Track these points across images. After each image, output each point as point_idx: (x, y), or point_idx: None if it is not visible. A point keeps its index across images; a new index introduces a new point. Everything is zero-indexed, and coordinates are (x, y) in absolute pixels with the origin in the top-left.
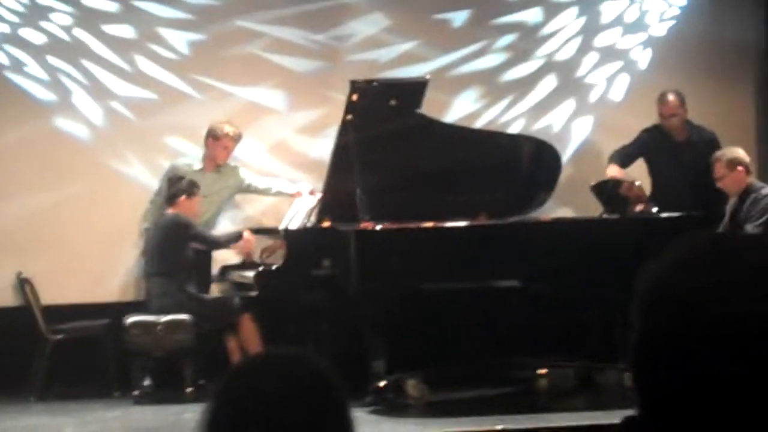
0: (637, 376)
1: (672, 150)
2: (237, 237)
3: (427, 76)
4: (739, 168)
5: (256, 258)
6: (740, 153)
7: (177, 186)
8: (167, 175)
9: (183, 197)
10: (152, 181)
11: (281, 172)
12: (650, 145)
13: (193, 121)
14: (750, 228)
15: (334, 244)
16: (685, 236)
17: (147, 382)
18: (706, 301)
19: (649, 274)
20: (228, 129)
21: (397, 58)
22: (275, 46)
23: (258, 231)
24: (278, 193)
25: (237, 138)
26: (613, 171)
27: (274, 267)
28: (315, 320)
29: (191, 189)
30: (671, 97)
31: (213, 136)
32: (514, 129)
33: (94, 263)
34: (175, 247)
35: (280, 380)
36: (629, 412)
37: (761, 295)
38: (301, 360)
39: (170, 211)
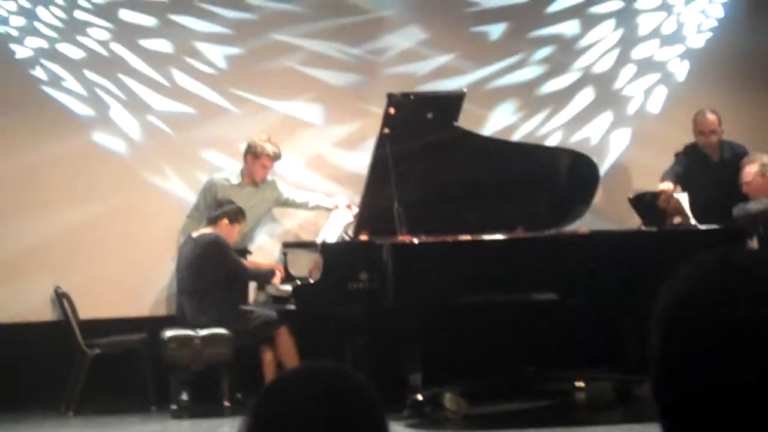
0: (658, 394)
1: (708, 169)
2: (268, 276)
3: (464, 89)
4: None
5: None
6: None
7: (224, 209)
8: (205, 189)
9: (226, 221)
10: (189, 195)
11: (318, 186)
12: (689, 164)
13: (230, 135)
14: None
15: (371, 258)
16: (700, 254)
17: (184, 396)
18: (722, 315)
19: (666, 292)
20: (269, 148)
21: (433, 71)
22: (312, 59)
23: (295, 245)
24: (316, 207)
25: (276, 157)
26: (667, 184)
27: (311, 280)
28: (352, 333)
29: (236, 216)
30: (710, 116)
31: (253, 154)
32: (551, 142)
33: (132, 277)
34: (212, 267)
35: (318, 395)
36: None
37: None
38: (338, 374)
39: (211, 230)
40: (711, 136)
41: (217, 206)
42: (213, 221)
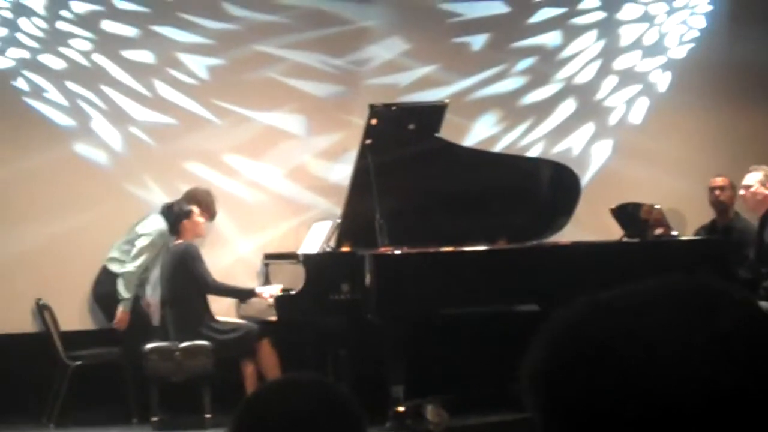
0: None
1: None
2: (247, 294)
3: (446, 100)
4: None
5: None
6: None
7: (175, 210)
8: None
9: (185, 222)
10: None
11: (300, 197)
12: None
13: (212, 146)
14: None
15: (353, 269)
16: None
17: (165, 409)
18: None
19: (540, 345)
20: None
21: (415, 83)
22: (294, 70)
23: (276, 256)
24: None
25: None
26: None
27: (293, 292)
28: (334, 345)
29: (189, 208)
30: (720, 178)
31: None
32: (533, 153)
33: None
34: (183, 278)
35: (299, 406)
36: None
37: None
38: (319, 386)
39: (178, 240)
40: (714, 191)
41: (169, 210)
42: (173, 231)
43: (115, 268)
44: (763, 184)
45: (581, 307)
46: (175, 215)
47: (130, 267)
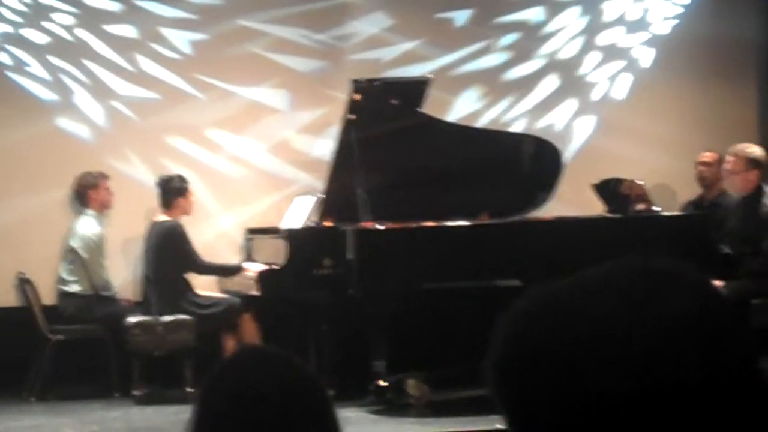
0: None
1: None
2: (235, 271)
3: (429, 76)
4: (757, 170)
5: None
6: (760, 153)
7: (167, 187)
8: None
9: (179, 199)
10: (153, 181)
11: (282, 172)
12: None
13: (194, 121)
14: None
15: (335, 244)
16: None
17: (147, 382)
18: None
19: (495, 340)
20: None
21: (399, 58)
22: (277, 45)
23: (259, 231)
24: None
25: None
26: None
27: (275, 267)
28: (316, 320)
29: (182, 186)
30: (708, 153)
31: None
32: (516, 128)
33: None
34: (168, 256)
35: (262, 379)
36: None
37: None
38: (281, 358)
39: (166, 217)
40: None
41: (166, 183)
42: (166, 205)
43: (72, 288)
44: (749, 167)
45: (532, 300)
46: (170, 190)
47: (94, 277)
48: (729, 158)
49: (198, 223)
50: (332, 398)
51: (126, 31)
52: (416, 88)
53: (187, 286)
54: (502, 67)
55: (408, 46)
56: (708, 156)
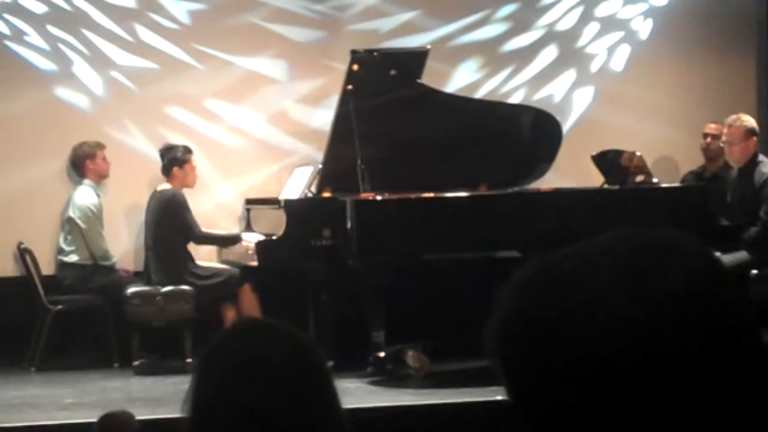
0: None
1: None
2: (233, 241)
3: (428, 46)
4: (754, 139)
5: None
6: (754, 122)
7: (168, 156)
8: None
9: (176, 168)
10: (152, 151)
11: (281, 142)
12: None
13: (193, 91)
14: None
15: (334, 215)
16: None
17: (147, 353)
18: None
19: (495, 313)
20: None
21: (397, 28)
22: (276, 15)
23: (258, 201)
24: None
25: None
26: None
27: (274, 237)
28: (315, 291)
29: (183, 157)
30: (713, 124)
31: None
32: (514, 99)
33: None
34: (168, 225)
35: (261, 350)
36: None
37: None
38: (279, 330)
39: (167, 185)
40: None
41: (167, 151)
42: (166, 173)
43: (71, 258)
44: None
45: (532, 270)
46: (169, 159)
47: (93, 247)
48: (725, 130)
49: (197, 193)
50: (331, 369)
51: (125, 0)
52: (415, 58)
53: (188, 257)
54: (500, 38)
55: (406, 16)
56: (713, 128)
